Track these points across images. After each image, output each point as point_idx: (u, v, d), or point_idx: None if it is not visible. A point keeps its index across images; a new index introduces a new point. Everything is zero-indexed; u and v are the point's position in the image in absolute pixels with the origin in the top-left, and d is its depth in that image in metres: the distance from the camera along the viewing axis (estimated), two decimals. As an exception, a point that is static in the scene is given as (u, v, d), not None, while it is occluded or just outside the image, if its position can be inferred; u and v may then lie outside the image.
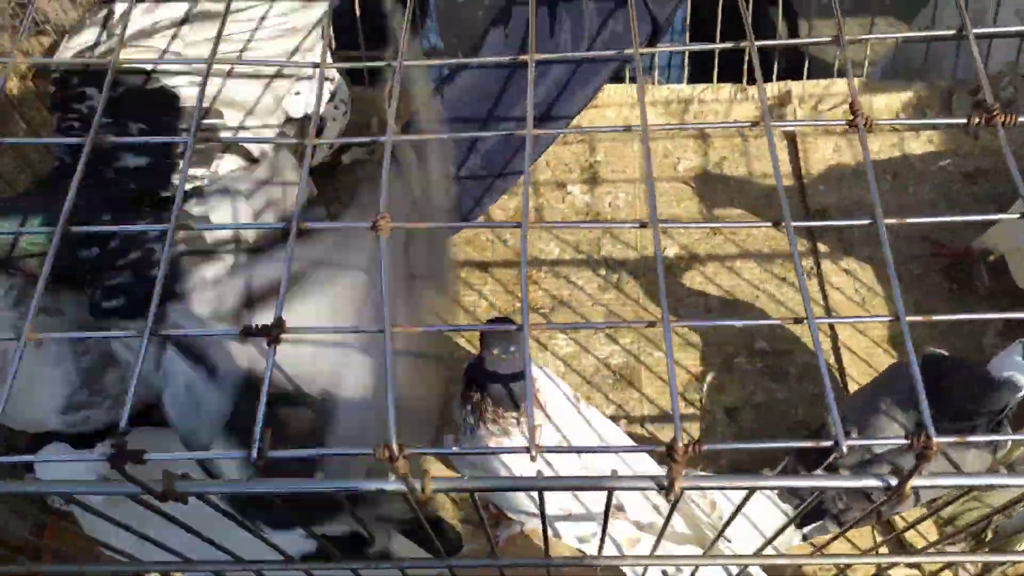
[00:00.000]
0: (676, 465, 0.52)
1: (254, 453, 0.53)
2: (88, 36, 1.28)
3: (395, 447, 0.52)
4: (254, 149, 1.25)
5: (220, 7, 1.25)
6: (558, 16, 1.08)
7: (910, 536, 1.15)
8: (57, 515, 1.11)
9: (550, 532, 0.70)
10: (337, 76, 1.36)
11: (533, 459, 0.53)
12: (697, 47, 1.64)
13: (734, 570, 1.02)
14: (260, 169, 1.23)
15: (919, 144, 1.56)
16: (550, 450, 0.56)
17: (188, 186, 1.25)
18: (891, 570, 1.05)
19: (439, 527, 1.17)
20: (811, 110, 1.59)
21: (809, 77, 1.60)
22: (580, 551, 1.16)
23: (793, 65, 1.66)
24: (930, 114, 1.58)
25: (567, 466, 1.01)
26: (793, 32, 2.10)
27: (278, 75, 1.29)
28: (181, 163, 1.20)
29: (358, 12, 1.48)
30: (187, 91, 1.24)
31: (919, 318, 0.59)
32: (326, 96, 1.35)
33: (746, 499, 0.65)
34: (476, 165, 1.18)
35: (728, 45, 0.71)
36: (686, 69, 1.66)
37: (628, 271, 1.44)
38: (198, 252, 1.12)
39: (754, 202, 1.51)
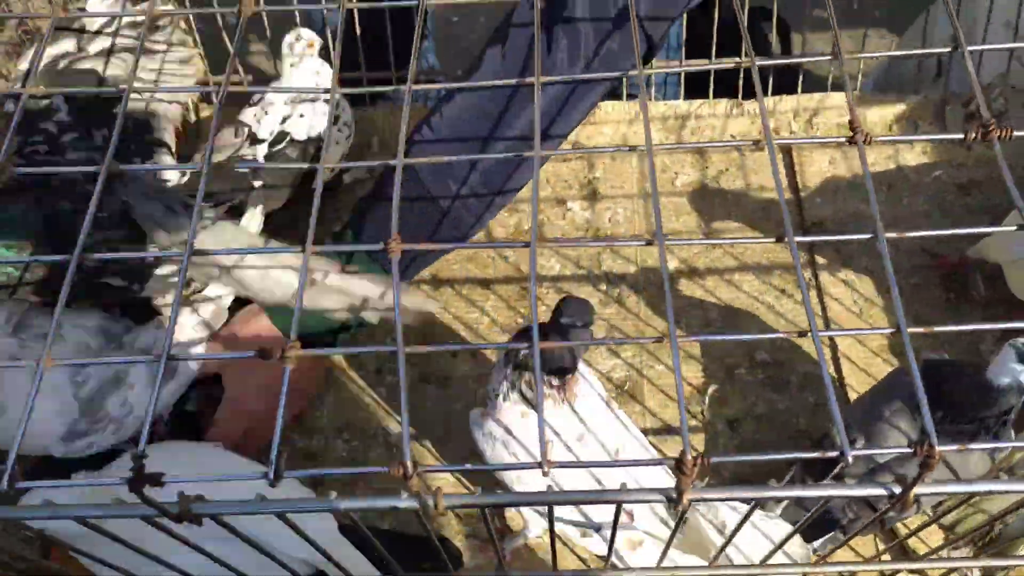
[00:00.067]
0: (685, 478, 0.53)
1: (271, 474, 0.54)
2: (66, 45, 1.27)
3: (409, 464, 0.53)
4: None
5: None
6: (555, 35, 1.09)
7: (912, 542, 1.16)
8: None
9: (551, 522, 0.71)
10: (341, 99, 1.37)
11: (545, 474, 0.54)
12: (696, 68, 1.67)
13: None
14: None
15: (913, 155, 1.58)
16: (561, 465, 0.57)
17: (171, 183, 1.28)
18: (895, 577, 1.06)
19: (442, 543, 1.17)
20: (806, 124, 1.61)
21: (803, 90, 1.62)
22: (585, 564, 1.17)
23: (787, 78, 1.68)
24: (923, 126, 1.60)
25: (588, 455, 1.06)
26: (786, 45, 2.13)
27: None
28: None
29: (358, 31, 1.49)
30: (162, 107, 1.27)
31: (921, 330, 0.60)
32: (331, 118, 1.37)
33: (752, 510, 0.65)
34: (476, 182, 1.18)
35: (729, 64, 0.73)
36: (682, 85, 1.67)
37: (628, 285, 1.45)
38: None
39: (752, 215, 1.53)
